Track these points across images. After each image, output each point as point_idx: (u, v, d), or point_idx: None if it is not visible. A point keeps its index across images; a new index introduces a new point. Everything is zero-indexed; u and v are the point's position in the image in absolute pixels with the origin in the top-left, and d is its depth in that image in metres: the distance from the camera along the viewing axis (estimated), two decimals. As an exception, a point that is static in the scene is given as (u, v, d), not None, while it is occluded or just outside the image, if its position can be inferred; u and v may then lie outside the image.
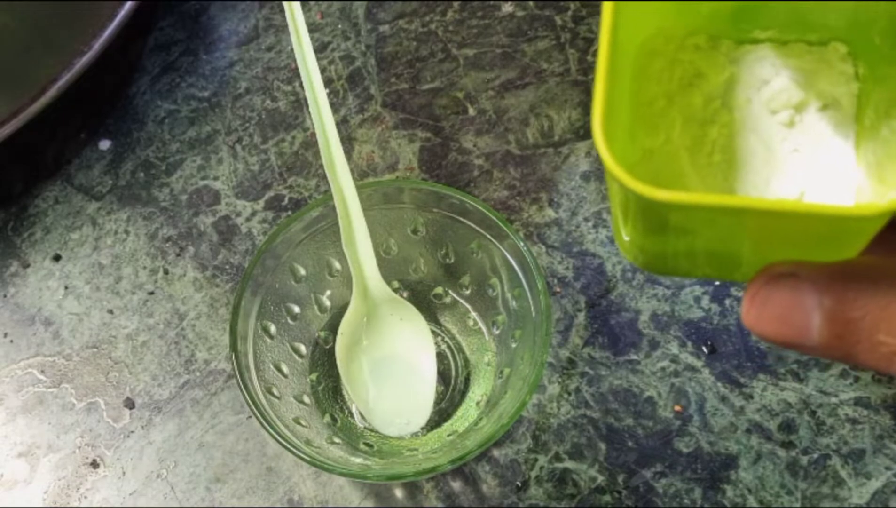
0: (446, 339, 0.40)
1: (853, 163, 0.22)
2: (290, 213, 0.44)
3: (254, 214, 0.44)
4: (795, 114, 0.22)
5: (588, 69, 0.47)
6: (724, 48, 0.23)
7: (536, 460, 0.38)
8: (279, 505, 0.38)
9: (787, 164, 0.22)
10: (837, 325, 0.19)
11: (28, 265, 0.44)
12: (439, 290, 0.40)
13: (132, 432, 0.40)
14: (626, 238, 0.22)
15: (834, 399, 0.38)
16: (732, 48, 0.23)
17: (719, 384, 0.39)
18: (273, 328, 0.37)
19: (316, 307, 0.39)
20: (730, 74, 0.23)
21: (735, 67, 0.23)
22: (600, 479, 0.38)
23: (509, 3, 0.49)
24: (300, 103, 0.47)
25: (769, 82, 0.23)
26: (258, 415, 0.33)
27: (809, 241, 0.20)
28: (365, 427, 0.38)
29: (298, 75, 0.47)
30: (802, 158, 0.22)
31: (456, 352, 0.39)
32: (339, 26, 0.49)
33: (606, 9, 0.20)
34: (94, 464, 0.39)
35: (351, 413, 0.38)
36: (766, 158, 0.22)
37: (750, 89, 0.23)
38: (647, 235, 0.21)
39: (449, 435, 0.37)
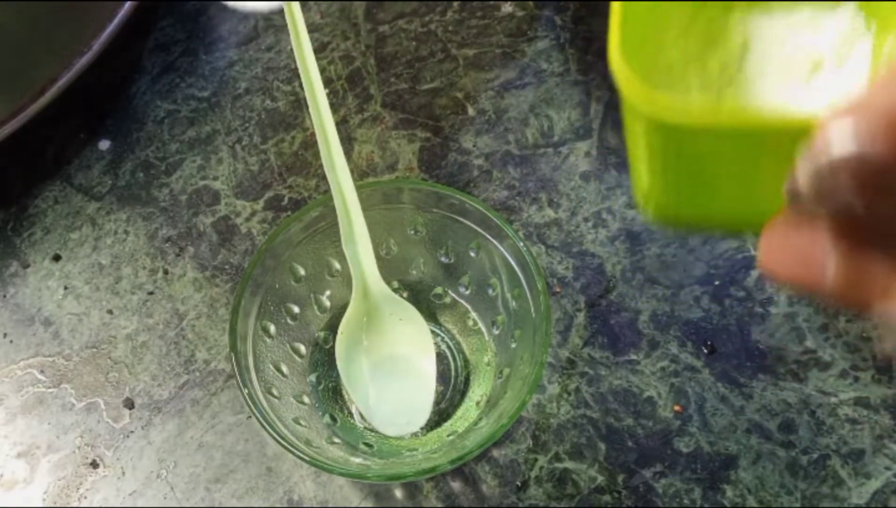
0: (446, 339, 0.40)
1: None
2: (289, 213, 0.44)
3: (253, 214, 0.44)
4: (811, 73, 0.22)
5: (588, 69, 0.47)
6: (738, 11, 0.23)
7: (536, 460, 0.38)
8: (279, 505, 0.38)
9: None
10: (853, 270, 0.19)
11: (28, 265, 0.44)
12: (439, 290, 0.40)
13: (132, 432, 0.40)
14: (644, 183, 0.22)
15: (833, 399, 0.38)
16: (745, 11, 0.23)
17: (719, 384, 0.39)
18: (273, 328, 0.37)
19: (316, 307, 0.39)
20: (744, 38, 0.23)
21: (749, 30, 0.23)
22: (600, 479, 0.38)
23: (509, 3, 0.49)
24: (300, 103, 0.47)
25: (784, 44, 0.23)
26: (258, 415, 0.33)
27: None
28: (365, 427, 0.38)
29: (298, 75, 0.47)
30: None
31: (456, 352, 0.39)
32: (339, 26, 0.49)
33: None
34: (94, 464, 0.39)
35: (351, 413, 0.38)
36: None
37: (765, 52, 0.23)
38: (666, 172, 0.21)
39: (449, 435, 0.37)
